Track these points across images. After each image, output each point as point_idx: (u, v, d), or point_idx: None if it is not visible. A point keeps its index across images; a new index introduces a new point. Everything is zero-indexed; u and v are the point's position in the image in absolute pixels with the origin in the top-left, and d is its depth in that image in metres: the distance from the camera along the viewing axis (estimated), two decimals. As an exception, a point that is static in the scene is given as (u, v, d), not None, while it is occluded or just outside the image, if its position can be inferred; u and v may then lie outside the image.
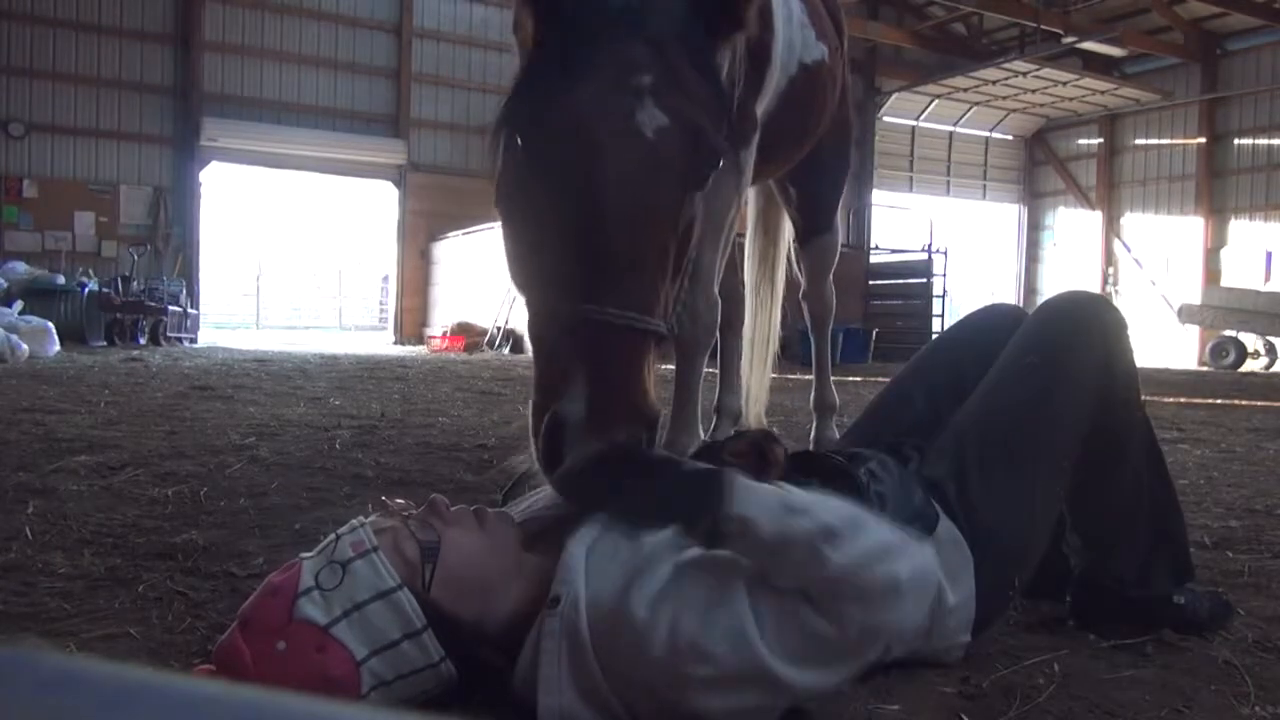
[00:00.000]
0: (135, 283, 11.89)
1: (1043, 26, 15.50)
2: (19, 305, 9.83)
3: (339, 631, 1.07)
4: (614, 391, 1.16)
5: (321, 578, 1.10)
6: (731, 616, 1.08)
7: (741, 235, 3.38)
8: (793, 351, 3.74)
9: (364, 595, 1.09)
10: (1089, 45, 17.08)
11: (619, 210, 1.19)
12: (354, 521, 1.18)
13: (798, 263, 3.50)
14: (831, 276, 3.49)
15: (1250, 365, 15.52)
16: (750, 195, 3.61)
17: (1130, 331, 1.60)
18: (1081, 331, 1.55)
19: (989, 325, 1.76)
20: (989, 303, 1.95)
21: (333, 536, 1.17)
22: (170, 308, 12.13)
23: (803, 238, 3.39)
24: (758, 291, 3.60)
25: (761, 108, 2.24)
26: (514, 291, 1.40)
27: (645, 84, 1.20)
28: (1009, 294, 21.31)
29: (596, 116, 1.20)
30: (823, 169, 3.18)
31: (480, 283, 13.16)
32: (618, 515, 1.17)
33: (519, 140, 1.27)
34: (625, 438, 1.14)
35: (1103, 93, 18.40)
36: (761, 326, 3.58)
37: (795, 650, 1.09)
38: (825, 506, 1.14)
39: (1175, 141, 18.98)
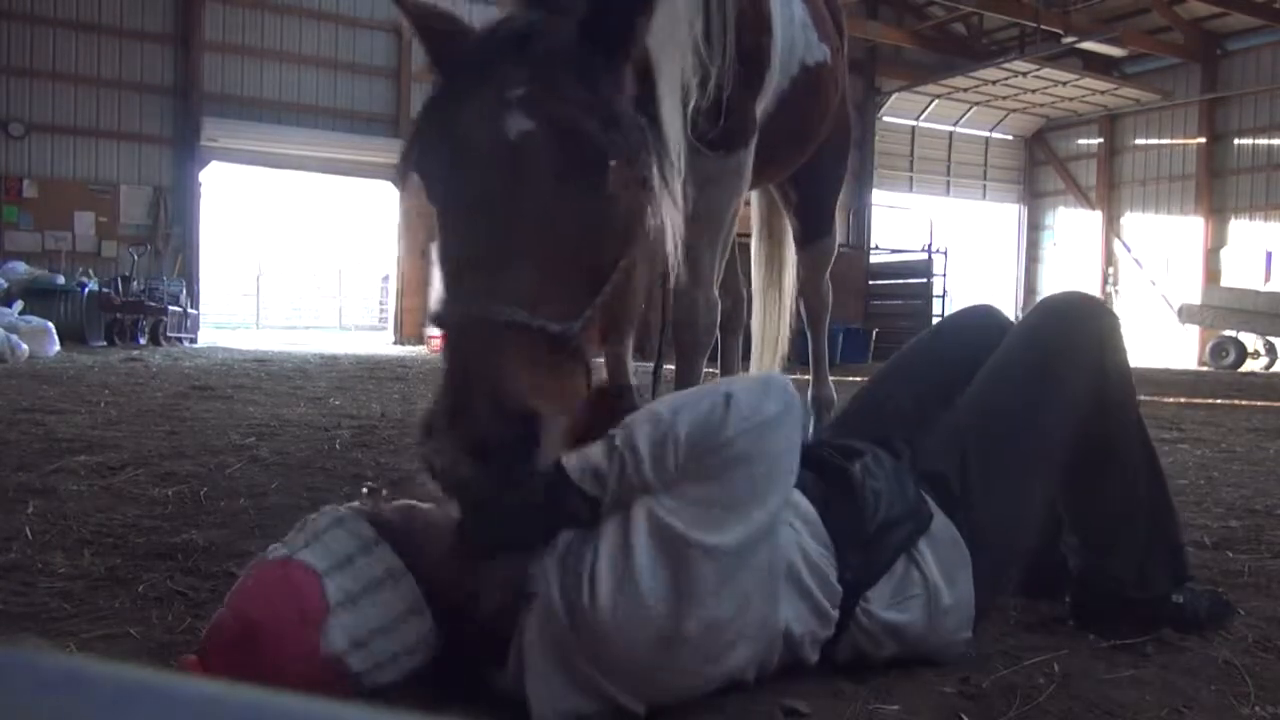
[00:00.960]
0: (135, 283, 11.86)
1: (1043, 26, 15.47)
2: (19, 305, 9.81)
3: (302, 554, 1.18)
4: (474, 385, 1.13)
5: (288, 535, 1.24)
6: (657, 550, 1.15)
7: (744, 236, 3.37)
8: (792, 349, 3.75)
9: (323, 525, 1.22)
10: (1089, 45, 17.05)
11: (483, 209, 1.21)
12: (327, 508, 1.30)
13: (795, 264, 3.50)
14: (828, 273, 3.50)
15: (1250, 365, 15.51)
16: (753, 200, 3.61)
17: (1124, 333, 1.62)
18: (1076, 333, 1.57)
19: (972, 324, 1.80)
20: (970, 304, 2.00)
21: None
22: (170, 308, 12.10)
23: (801, 241, 3.39)
24: (765, 295, 3.60)
25: (760, 109, 2.23)
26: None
27: (516, 96, 1.23)
28: (1009, 294, 21.28)
29: (466, 132, 1.24)
30: (823, 171, 3.18)
31: (480, 283, 13.12)
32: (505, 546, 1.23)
33: (416, 177, 1.31)
34: (487, 433, 1.10)
35: (1103, 93, 18.38)
36: (770, 329, 3.58)
37: (704, 523, 1.16)
38: (643, 419, 1.22)
39: (1175, 141, 18.96)
